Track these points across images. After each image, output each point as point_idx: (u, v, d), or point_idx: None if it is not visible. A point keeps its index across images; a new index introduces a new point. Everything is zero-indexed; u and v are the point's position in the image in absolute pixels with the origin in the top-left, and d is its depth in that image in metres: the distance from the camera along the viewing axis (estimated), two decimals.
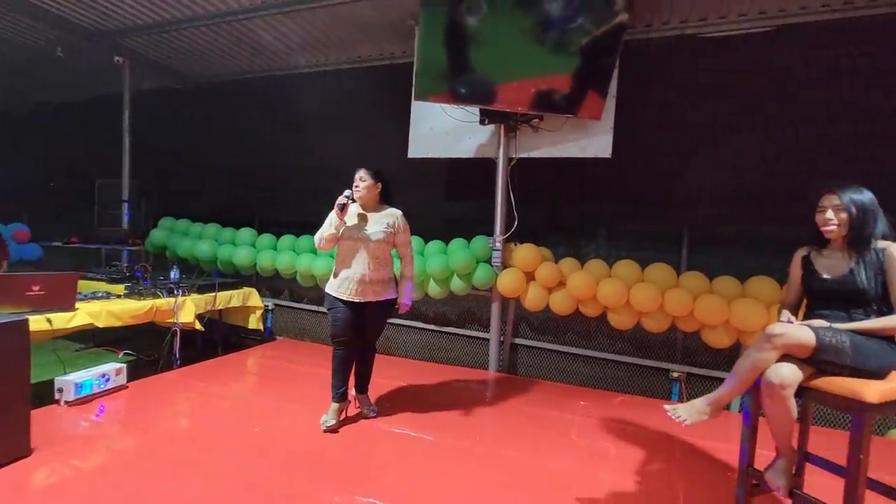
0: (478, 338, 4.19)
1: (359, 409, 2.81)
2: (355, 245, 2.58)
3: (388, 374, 3.51)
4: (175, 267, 3.93)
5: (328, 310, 2.65)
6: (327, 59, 4.88)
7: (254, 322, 4.32)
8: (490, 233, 3.82)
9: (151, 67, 5.30)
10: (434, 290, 3.93)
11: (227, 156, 5.48)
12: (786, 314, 1.75)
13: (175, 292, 3.52)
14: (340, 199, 2.54)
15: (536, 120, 3.61)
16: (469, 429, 2.69)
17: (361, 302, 2.58)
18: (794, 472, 1.72)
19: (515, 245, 3.77)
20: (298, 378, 3.47)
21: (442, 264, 3.79)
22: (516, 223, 3.76)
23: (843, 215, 1.67)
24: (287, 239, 4.62)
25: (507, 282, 3.63)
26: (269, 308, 4.78)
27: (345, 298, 2.57)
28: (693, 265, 3.63)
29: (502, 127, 3.70)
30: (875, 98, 3.23)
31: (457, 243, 3.91)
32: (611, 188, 3.95)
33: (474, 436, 2.60)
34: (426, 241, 4.04)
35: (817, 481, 1.83)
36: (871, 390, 1.44)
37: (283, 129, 5.15)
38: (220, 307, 3.95)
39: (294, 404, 2.93)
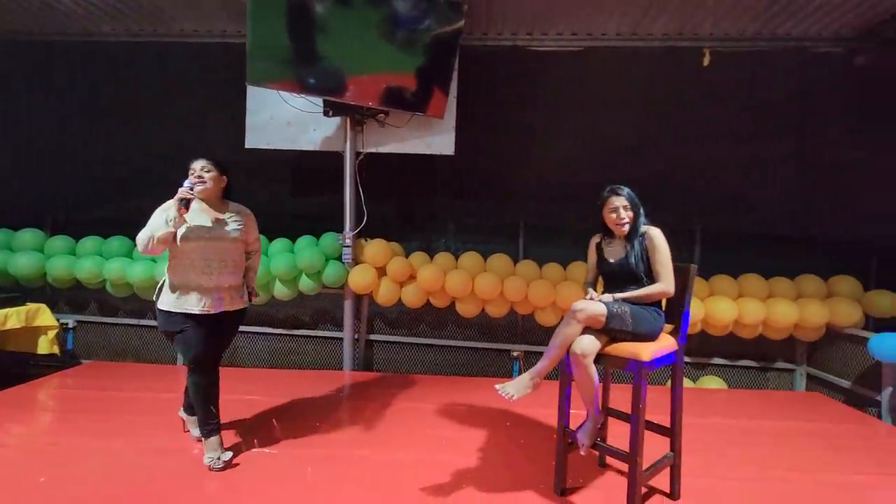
0: (331, 338, 4.05)
1: (188, 431, 2.47)
2: (205, 246, 2.18)
3: (232, 388, 3.15)
4: None
5: (175, 333, 2.17)
6: (142, 28, 4.15)
7: (46, 345, 3.51)
8: (340, 229, 3.71)
9: None
10: (281, 291, 3.67)
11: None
12: (590, 292, 2.05)
13: None
14: (183, 193, 2.09)
15: (382, 115, 3.61)
16: (323, 434, 2.57)
17: (216, 313, 2.20)
18: (599, 427, 2.02)
19: (366, 241, 3.74)
20: (113, 407, 2.90)
21: (289, 263, 3.56)
22: (366, 218, 3.72)
23: (631, 213, 2.01)
24: (90, 241, 3.82)
25: (359, 278, 3.57)
26: (69, 326, 3.91)
27: (196, 312, 2.15)
28: (528, 254, 4.06)
29: (348, 120, 3.61)
30: (658, 114, 4.00)
31: (304, 240, 3.71)
32: (458, 184, 4.17)
33: (328, 441, 2.50)
34: (270, 240, 3.74)
35: (619, 431, 2.19)
36: (645, 350, 1.78)
37: (86, 109, 4.24)
38: None
39: (104, 439, 2.44)
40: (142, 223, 2.21)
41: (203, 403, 2.24)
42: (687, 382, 3.74)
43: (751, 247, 3.94)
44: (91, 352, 4.13)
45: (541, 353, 3.90)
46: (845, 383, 3.50)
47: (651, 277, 1.98)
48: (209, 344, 2.21)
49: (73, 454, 2.30)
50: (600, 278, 2.17)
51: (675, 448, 1.98)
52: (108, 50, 4.20)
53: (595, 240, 2.18)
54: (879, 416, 3.18)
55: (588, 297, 2.01)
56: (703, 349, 3.89)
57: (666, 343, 1.91)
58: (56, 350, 3.61)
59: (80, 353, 4.10)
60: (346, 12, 3.15)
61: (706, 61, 3.85)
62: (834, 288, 3.54)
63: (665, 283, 1.94)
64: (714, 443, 2.61)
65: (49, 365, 3.73)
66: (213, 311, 2.19)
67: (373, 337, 4.09)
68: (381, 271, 3.68)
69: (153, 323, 4.15)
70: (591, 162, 4.00)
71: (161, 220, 2.14)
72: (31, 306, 3.46)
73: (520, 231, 4.17)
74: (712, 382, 3.73)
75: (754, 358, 3.88)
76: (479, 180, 4.15)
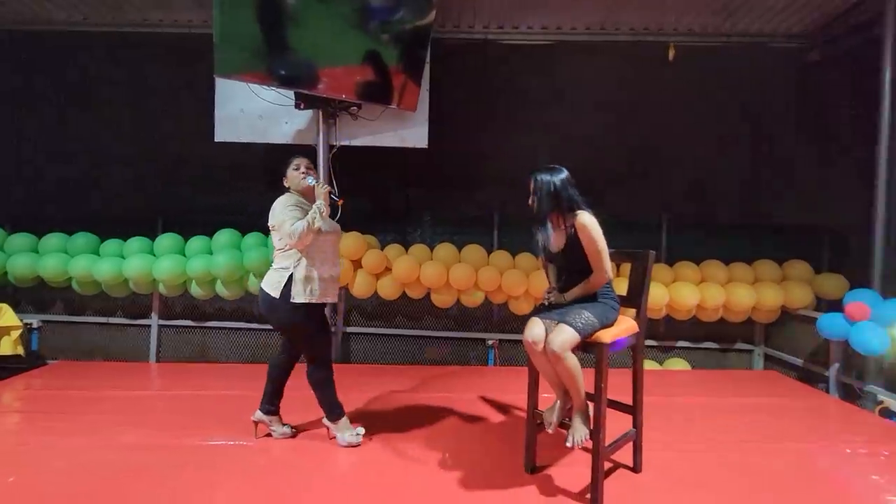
0: None
1: (270, 434, 2.45)
2: (334, 239, 2.36)
3: (207, 385, 3.16)
4: None
5: (304, 325, 2.23)
6: (101, 17, 4.02)
7: (8, 346, 3.43)
8: None
9: None
10: (255, 285, 3.65)
11: None
12: (546, 295, 2.05)
13: None
14: (328, 186, 2.30)
15: (355, 108, 3.61)
16: (301, 425, 2.57)
17: (332, 302, 2.40)
18: (567, 408, 2.08)
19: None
20: (82, 406, 2.84)
21: (263, 257, 3.54)
22: (340, 211, 3.71)
23: (536, 197, 1.96)
24: (54, 238, 3.71)
25: None
26: (34, 326, 3.81)
27: (326, 301, 2.28)
28: (503, 244, 4.15)
29: (321, 113, 3.60)
30: (626, 106, 4.12)
31: None
32: (432, 176, 4.21)
33: (306, 431, 2.51)
34: (243, 234, 3.72)
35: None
36: (607, 334, 1.88)
37: (42, 101, 4.09)
38: None
39: (72, 438, 2.41)
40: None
41: (329, 392, 2.34)
42: (653, 365, 3.91)
43: (712, 234, 4.13)
44: (58, 352, 4.03)
45: (516, 342, 4.07)
46: (798, 361, 3.73)
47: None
48: (329, 334, 2.40)
49: (41, 454, 2.26)
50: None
51: (637, 424, 2.09)
52: (66, 40, 4.07)
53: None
54: (828, 391, 3.40)
55: (545, 296, 2.04)
56: (669, 333, 4.07)
57: (627, 326, 2.01)
58: (20, 351, 3.52)
59: (47, 353, 3.99)
60: (317, 3, 3.13)
61: (671, 55, 3.98)
62: (788, 272, 3.75)
63: (599, 273, 1.93)
64: (677, 420, 2.74)
65: (13, 367, 3.61)
66: (333, 301, 2.36)
67: (350, 329, 4.12)
68: (357, 264, 3.70)
69: (122, 321, 4.09)
70: (561, 153, 4.07)
71: (298, 214, 2.21)
72: None
73: (494, 221, 4.25)
74: (677, 364, 3.90)
75: (716, 340, 4.08)
76: (452, 172, 4.20)
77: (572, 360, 1.84)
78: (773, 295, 3.57)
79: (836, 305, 3.38)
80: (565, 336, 1.81)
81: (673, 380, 3.52)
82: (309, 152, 3.69)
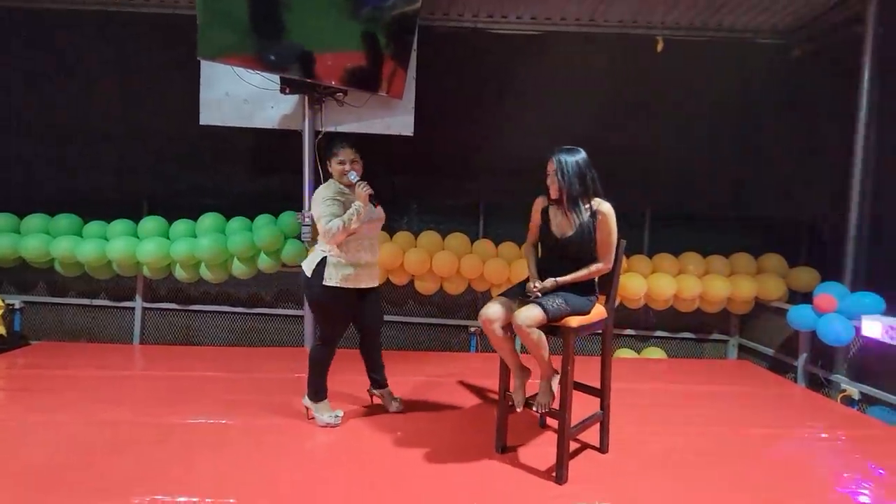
0: (292, 316, 4.09)
1: (313, 419, 2.45)
2: (370, 227, 2.37)
3: (189, 366, 3.19)
4: None
5: (329, 306, 2.29)
6: None
7: None
8: (299, 208, 3.72)
9: None
10: (240, 269, 3.68)
11: None
12: (532, 286, 1.94)
13: None
14: (370, 189, 2.25)
15: (341, 94, 3.61)
16: (280, 406, 2.64)
17: (369, 288, 2.39)
18: (525, 387, 2.07)
19: None
20: (64, 385, 2.87)
21: (246, 242, 3.56)
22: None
23: (558, 178, 1.90)
24: (36, 219, 3.69)
25: None
26: (16, 307, 3.80)
27: (359, 287, 2.32)
28: (489, 233, 4.19)
29: (306, 98, 3.59)
30: (612, 98, 4.14)
31: (263, 219, 3.71)
32: (420, 164, 4.22)
33: (284, 412, 2.57)
34: (228, 218, 3.73)
35: None
36: (574, 320, 1.94)
37: (28, 81, 4.04)
38: None
39: (56, 415, 2.44)
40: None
41: (322, 373, 2.40)
42: (631, 353, 4.00)
43: (694, 227, 4.20)
44: (41, 333, 4.03)
45: None
46: (770, 351, 3.83)
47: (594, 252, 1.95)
48: (348, 321, 2.41)
49: (23, 429, 2.30)
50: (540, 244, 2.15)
51: (604, 406, 2.16)
52: (51, 19, 4.00)
53: (541, 202, 2.06)
54: (796, 380, 3.51)
55: (532, 284, 1.97)
56: (646, 322, 4.16)
57: (596, 311, 2.07)
58: (2, 331, 3.52)
59: (30, 334, 3.99)
60: None
61: (660, 47, 4.00)
62: (763, 265, 3.84)
63: (605, 263, 1.94)
64: (649, 405, 2.82)
65: None
66: (366, 286, 2.36)
67: None
68: None
69: (106, 303, 4.09)
70: (548, 143, 4.11)
71: (336, 209, 2.21)
72: None
73: (480, 211, 4.28)
74: (654, 353, 4.00)
75: (693, 331, 4.17)
76: (439, 161, 4.22)
77: (536, 334, 1.89)
78: (747, 287, 3.66)
79: (808, 298, 3.49)
80: (530, 313, 1.86)
81: (648, 368, 3.61)
82: (295, 137, 3.73)
